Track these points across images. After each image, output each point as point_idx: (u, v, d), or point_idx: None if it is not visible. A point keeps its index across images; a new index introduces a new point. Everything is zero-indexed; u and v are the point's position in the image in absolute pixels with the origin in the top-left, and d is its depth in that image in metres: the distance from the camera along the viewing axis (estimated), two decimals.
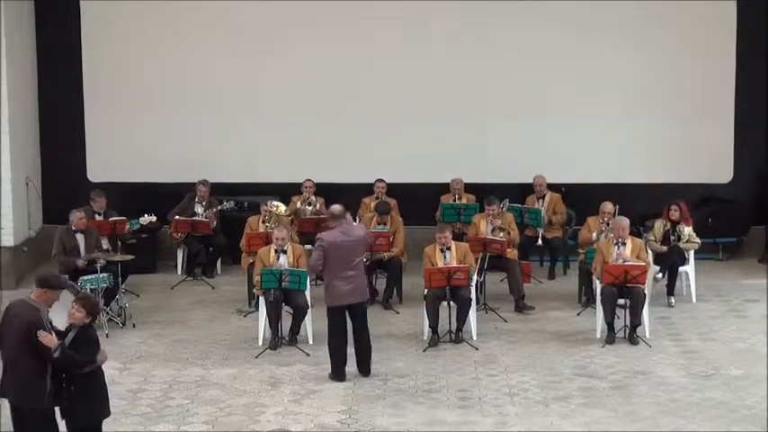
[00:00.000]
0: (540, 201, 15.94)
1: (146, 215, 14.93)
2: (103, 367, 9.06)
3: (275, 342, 12.72)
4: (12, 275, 15.24)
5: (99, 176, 16.77)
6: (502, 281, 14.64)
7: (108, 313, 13.53)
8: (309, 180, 15.92)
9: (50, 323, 8.81)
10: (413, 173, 16.49)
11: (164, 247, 16.46)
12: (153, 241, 16.35)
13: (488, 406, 11.02)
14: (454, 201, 15.94)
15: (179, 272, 16.05)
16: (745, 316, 13.98)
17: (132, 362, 12.41)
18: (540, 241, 15.64)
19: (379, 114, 16.78)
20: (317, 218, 15.57)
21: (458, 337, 12.91)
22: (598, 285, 13.21)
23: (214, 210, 15.88)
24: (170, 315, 14.27)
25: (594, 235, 14.25)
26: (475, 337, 13.02)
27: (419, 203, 16.16)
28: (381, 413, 10.86)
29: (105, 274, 13.35)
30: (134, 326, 13.67)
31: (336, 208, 11.95)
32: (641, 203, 16.10)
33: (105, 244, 14.35)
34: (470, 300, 12.93)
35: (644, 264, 13.07)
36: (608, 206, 14.39)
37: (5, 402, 9.03)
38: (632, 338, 12.81)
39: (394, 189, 15.98)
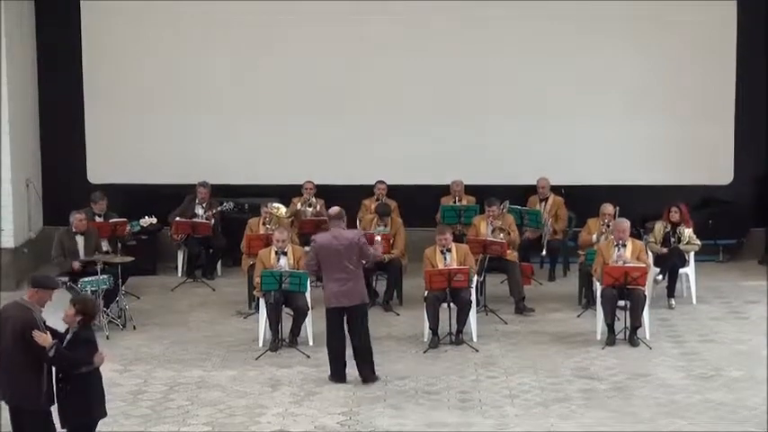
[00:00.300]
0: (543, 203, 15.94)
1: (146, 217, 14.93)
2: (103, 369, 9.07)
3: (275, 344, 12.72)
4: (12, 277, 15.23)
5: (99, 178, 16.77)
6: (502, 282, 14.63)
7: (108, 315, 13.53)
8: (310, 182, 15.91)
9: (44, 323, 8.81)
10: (413, 174, 16.49)
11: (164, 248, 16.45)
12: (153, 243, 16.34)
13: (488, 407, 11.02)
14: (454, 202, 15.94)
15: (179, 273, 16.05)
16: (746, 317, 13.97)
17: (132, 363, 12.40)
18: (544, 251, 15.60)
19: (379, 115, 16.78)
20: (318, 219, 15.56)
21: (458, 338, 12.91)
22: (598, 287, 13.20)
23: (214, 211, 15.87)
24: (170, 317, 14.26)
25: (595, 237, 14.25)
26: (475, 339, 13.01)
27: (419, 205, 16.15)
28: (381, 415, 10.86)
29: (105, 276, 13.35)
30: (134, 328, 13.67)
31: (333, 210, 11.95)
32: (641, 205, 16.08)
33: (105, 246, 14.35)
34: (470, 301, 12.93)
35: (644, 265, 13.06)
36: (608, 208, 14.39)
37: (5, 404, 9.03)
38: (632, 340, 12.81)
39: (394, 191, 15.98)
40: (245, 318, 14.05)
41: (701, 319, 13.90)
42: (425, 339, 12.99)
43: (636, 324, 12.83)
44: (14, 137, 15.65)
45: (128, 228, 14.77)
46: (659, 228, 14.53)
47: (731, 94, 16.60)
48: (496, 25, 16.60)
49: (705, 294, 14.82)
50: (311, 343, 12.87)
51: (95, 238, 14.17)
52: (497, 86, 16.66)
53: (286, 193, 15.97)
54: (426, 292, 12.92)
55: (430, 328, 12.90)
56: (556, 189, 16.10)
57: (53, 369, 8.82)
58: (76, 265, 13.74)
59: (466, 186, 16.07)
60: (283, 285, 12.58)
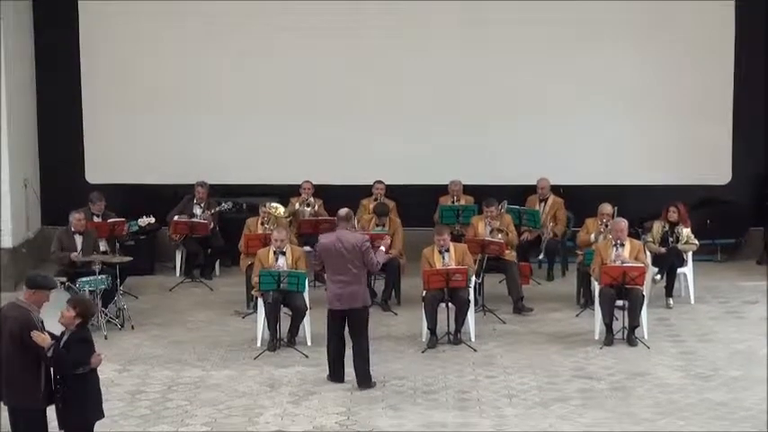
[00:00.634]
0: (543, 204, 15.94)
1: (144, 217, 14.95)
2: (102, 369, 9.06)
3: (274, 343, 12.71)
4: (10, 277, 15.22)
5: (97, 178, 16.75)
6: (500, 282, 14.62)
7: (106, 315, 13.52)
8: (308, 181, 15.90)
9: (42, 323, 8.80)
10: (411, 174, 16.48)
11: (162, 248, 16.45)
12: (151, 243, 16.35)
13: (487, 407, 11.02)
14: (453, 202, 15.94)
15: (177, 273, 16.04)
16: (744, 317, 13.98)
17: (131, 363, 12.40)
18: (542, 254, 15.59)
19: (377, 115, 16.77)
20: (316, 219, 15.57)
21: (456, 338, 12.90)
22: (596, 287, 13.21)
23: (213, 211, 15.87)
24: (168, 317, 14.26)
25: (593, 236, 14.24)
26: (473, 339, 13.01)
27: (418, 205, 16.14)
28: (380, 415, 10.86)
29: (103, 276, 13.35)
30: (132, 327, 13.67)
31: (342, 211, 11.88)
32: (640, 205, 16.06)
33: (103, 246, 14.35)
34: (469, 301, 12.93)
35: (642, 265, 13.06)
36: (607, 208, 14.39)
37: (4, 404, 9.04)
38: (631, 340, 12.81)
39: (392, 190, 15.98)
40: (243, 318, 14.04)
41: (699, 319, 13.90)
42: (424, 339, 12.98)
43: (634, 324, 12.84)
44: (13, 137, 15.65)
45: (126, 228, 14.78)
46: (657, 227, 14.54)
47: (729, 95, 16.59)
48: (496, 25, 16.58)
49: (703, 294, 14.82)
50: (309, 343, 12.87)
51: (94, 238, 14.17)
52: (497, 86, 16.65)
53: (285, 193, 15.99)
54: (424, 292, 12.91)
55: (428, 328, 12.89)
56: (554, 189, 16.11)
57: (51, 370, 8.81)
58: (74, 255, 13.76)
59: (464, 186, 16.07)
60: (281, 285, 12.58)
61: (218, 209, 15.94)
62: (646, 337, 12.96)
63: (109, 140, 16.91)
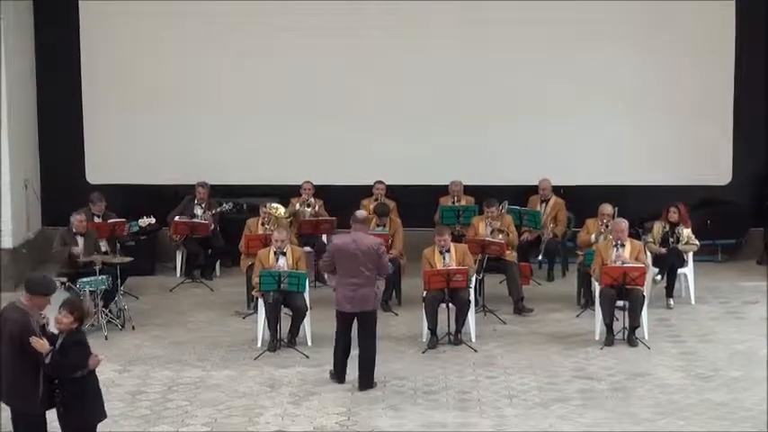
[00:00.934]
0: (544, 205, 15.94)
1: (145, 217, 14.96)
2: (102, 369, 9.06)
3: (274, 344, 12.71)
4: (10, 278, 15.22)
5: (98, 178, 16.76)
6: (501, 283, 14.62)
7: (107, 315, 13.52)
8: (308, 182, 15.90)
9: (41, 327, 8.77)
10: (412, 174, 16.49)
11: (163, 249, 16.45)
12: (152, 243, 16.35)
13: (487, 408, 11.02)
14: (453, 203, 15.93)
15: (178, 274, 16.05)
16: (744, 318, 13.98)
17: (131, 364, 12.39)
18: (541, 256, 15.58)
19: (378, 115, 16.78)
20: (316, 220, 15.58)
21: (457, 338, 12.90)
22: (597, 287, 13.21)
23: (213, 212, 15.87)
24: (169, 317, 14.26)
25: (593, 237, 14.24)
26: (474, 339, 13.01)
27: (418, 205, 16.15)
28: (380, 415, 10.86)
29: (104, 277, 13.35)
30: (133, 328, 13.67)
31: (358, 213, 11.83)
32: (640, 205, 16.07)
33: (104, 246, 14.36)
34: (469, 301, 12.93)
35: (643, 265, 13.06)
36: (607, 208, 14.39)
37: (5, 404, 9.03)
38: (631, 340, 12.81)
39: (393, 191, 15.98)
40: (243, 318, 14.04)
41: (699, 320, 13.90)
42: (424, 339, 12.98)
43: (634, 324, 12.84)
44: (13, 137, 15.65)
45: (126, 228, 14.78)
46: (658, 228, 14.54)
47: (730, 95, 16.60)
48: (496, 25, 16.58)
49: (704, 294, 14.82)
50: (310, 343, 12.87)
51: (94, 238, 14.18)
52: (497, 86, 16.66)
53: (285, 194, 15.98)
54: (425, 293, 12.91)
55: (429, 329, 12.89)
56: (555, 189, 16.10)
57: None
58: (76, 250, 13.77)
59: (465, 186, 16.07)
60: (282, 285, 12.58)
61: (218, 209, 15.95)
62: (646, 337, 12.96)
63: (109, 140, 16.91)
